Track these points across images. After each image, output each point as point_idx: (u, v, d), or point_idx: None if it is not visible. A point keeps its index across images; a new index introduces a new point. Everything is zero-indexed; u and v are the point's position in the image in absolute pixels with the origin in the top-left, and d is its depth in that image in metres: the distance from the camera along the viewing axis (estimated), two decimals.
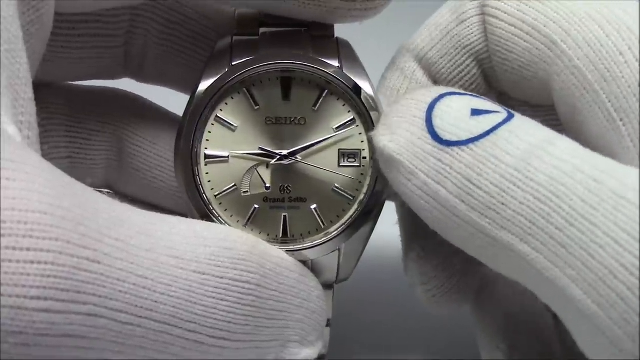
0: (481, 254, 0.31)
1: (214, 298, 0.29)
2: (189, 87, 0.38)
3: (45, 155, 0.39)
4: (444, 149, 0.31)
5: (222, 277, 0.30)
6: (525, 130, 0.30)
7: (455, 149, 0.31)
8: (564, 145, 0.29)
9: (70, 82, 0.43)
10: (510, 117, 0.31)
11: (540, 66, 0.34)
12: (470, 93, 0.34)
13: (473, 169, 0.30)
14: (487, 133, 0.30)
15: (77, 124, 0.42)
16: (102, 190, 0.44)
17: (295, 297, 0.34)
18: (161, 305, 0.27)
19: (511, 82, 0.37)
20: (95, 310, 0.25)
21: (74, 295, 0.24)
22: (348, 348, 0.46)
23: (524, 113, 0.40)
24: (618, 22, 0.31)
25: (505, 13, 0.35)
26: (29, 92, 0.29)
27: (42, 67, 0.37)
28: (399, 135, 0.33)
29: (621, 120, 0.30)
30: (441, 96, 0.33)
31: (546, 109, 0.39)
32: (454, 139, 0.31)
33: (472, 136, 0.30)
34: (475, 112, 0.32)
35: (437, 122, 0.32)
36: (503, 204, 0.29)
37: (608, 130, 0.31)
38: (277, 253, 0.34)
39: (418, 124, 0.32)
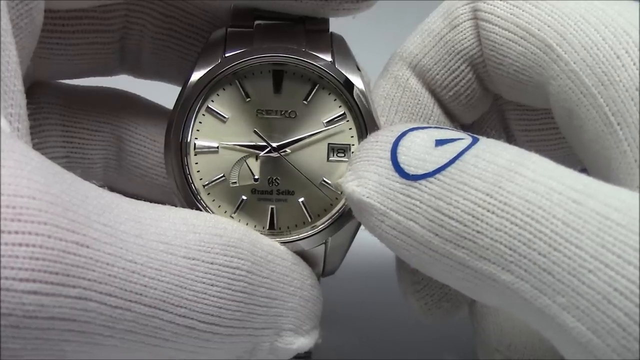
0: (465, 287, 0.30)
1: (203, 283, 0.29)
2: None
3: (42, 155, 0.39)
4: (412, 184, 0.30)
5: (212, 263, 0.30)
6: (492, 152, 0.29)
7: (423, 181, 0.30)
8: (534, 165, 0.28)
9: (66, 83, 0.43)
10: (475, 141, 0.30)
11: (535, 70, 0.34)
12: (433, 125, 0.33)
13: (442, 199, 0.29)
14: (453, 160, 0.29)
15: (74, 123, 0.42)
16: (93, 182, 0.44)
17: (288, 285, 0.34)
18: (151, 289, 0.27)
19: (507, 86, 0.36)
20: (84, 294, 0.25)
21: (62, 278, 0.24)
22: (341, 348, 0.46)
23: (521, 116, 0.40)
24: (614, 25, 0.31)
25: (499, 17, 0.35)
26: (18, 85, 0.29)
27: (40, 64, 0.37)
28: (366, 179, 0.32)
29: (619, 124, 0.30)
30: (403, 133, 0.32)
31: (542, 112, 0.39)
32: (421, 172, 0.30)
33: (438, 166, 0.30)
34: (440, 143, 0.31)
35: (402, 158, 0.31)
36: (478, 232, 0.28)
37: (605, 134, 0.31)
38: (268, 242, 0.34)
39: (384, 164, 0.31)
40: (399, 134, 0.32)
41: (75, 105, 0.42)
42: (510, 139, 0.41)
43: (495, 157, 0.29)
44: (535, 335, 0.40)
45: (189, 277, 0.29)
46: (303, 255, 0.36)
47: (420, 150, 0.31)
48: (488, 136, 0.41)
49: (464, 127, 0.41)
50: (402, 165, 0.31)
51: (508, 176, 0.28)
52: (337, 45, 0.37)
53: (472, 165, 0.29)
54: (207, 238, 0.30)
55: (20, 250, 0.23)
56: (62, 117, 0.41)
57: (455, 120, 0.40)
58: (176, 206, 0.36)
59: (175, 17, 0.40)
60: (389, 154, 0.32)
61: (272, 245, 0.34)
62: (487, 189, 0.28)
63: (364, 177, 0.32)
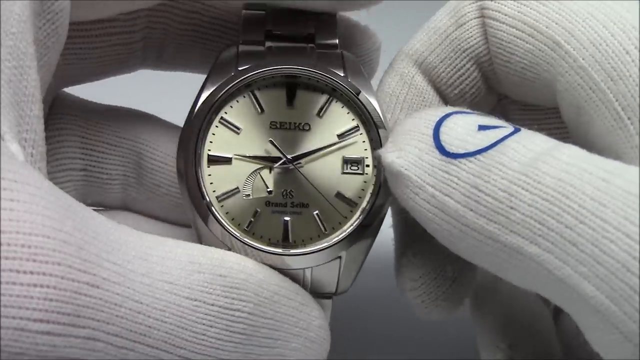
0: (490, 261, 0.31)
1: (203, 324, 0.29)
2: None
3: (60, 165, 0.39)
4: (451, 161, 0.31)
5: (212, 305, 0.30)
6: (532, 141, 0.30)
7: (463, 160, 0.31)
8: (570, 150, 0.29)
9: (85, 99, 0.42)
10: (516, 130, 0.31)
11: (543, 67, 0.34)
12: (477, 112, 0.34)
13: (481, 177, 0.30)
14: (494, 144, 0.31)
15: (93, 135, 0.41)
16: (99, 208, 0.43)
17: (293, 326, 0.33)
18: (154, 330, 0.28)
19: (513, 84, 0.37)
20: (93, 334, 0.26)
21: (74, 319, 0.25)
22: (341, 348, 0.46)
23: (525, 116, 0.40)
24: (622, 22, 0.32)
25: (506, 15, 0.35)
26: (35, 110, 0.29)
27: (65, 70, 0.37)
28: (406, 151, 0.33)
29: (629, 118, 0.31)
30: (448, 114, 0.33)
31: (547, 112, 0.39)
32: (461, 151, 0.31)
33: (479, 148, 0.31)
34: (482, 127, 0.32)
35: (444, 137, 0.32)
36: (512, 207, 0.29)
37: (615, 130, 0.31)
38: (277, 280, 0.33)
39: (425, 140, 0.32)
40: (444, 114, 0.33)
41: (95, 118, 0.42)
42: None
43: (534, 145, 0.30)
44: (538, 334, 0.40)
45: (190, 318, 0.29)
46: (316, 273, 0.36)
47: (462, 132, 0.32)
48: None
49: None
50: (443, 143, 0.32)
51: (544, 159, 0.29)
52: (349, 63, 0.38)
53: (513, 149, 0.30)
54: (211, 278, 0.30)
55: (35, 291, 0.24)
56: (81, 128, 0.41)
57: None
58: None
59: (199, 12, 0.40)
60: (431, 131, 0.32)
61: (280, 285, 0.33)
62: (524, 169, 0.29)
63: (404, 150, 0.33)
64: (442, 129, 0.32)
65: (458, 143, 0.31)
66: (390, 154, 0.33)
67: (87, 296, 0.25)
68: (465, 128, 0.32)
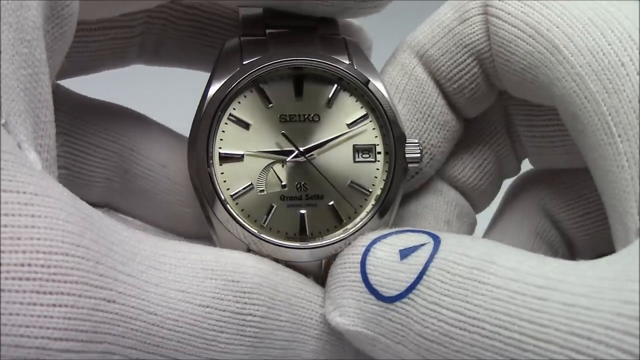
0: None
1: (214, 331, 0.30)
2: (210, 64, 0.37)
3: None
4: (390, 307, 0.30)
5: (223, 310, 0.30)
6: (454, 260, 0.30)
7: (399, 304, 0.30)
8: (496, 267, 0.28)
9: (78, 93, 0.42)
10: (436, 245, 0.31)
11: (541, 70, 0.33)
12: (393, 231, 0.33)
13: (420, 323, 0.29)
14: (421, 275, 0.30)
15: (77, 134, 0.40)
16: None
17: (312, 329, 0.34)
18: (167, 340, 0.28)
19: (513, 83, 0.36)
20: (109, 349, 0.27)
21: (91, 336, 0.26)
22: None
23: (525, 112, 0.40)
24: (619, 29, 0.31)
25: (509, 14, 0.35)
26: (48, 115, 0.29)
27: (62, 64, 0.36)
28: (345, 306, 0.32)
29: (619, 136, 0.30)
30: (367, 249, 0.33)
31: (548, 109, 0.39)
32: (394, 292, 0.30)
33: (409, 284, 0.30)
34: (404, 254, 0.31)
35: (373, 279, 0.32)
36: (457, 351, 0.28)
37: (605, 144, 0.30)
38: (296, 283, 0.33)
39: (358, 288, 0.32)
40: (364, 251, 0.33)
41: (83, 116, 0.41)
42: (513, 135, 0.41)
43: (457, 266, 0.29)
44: None
45: (202, 325, 0.30)
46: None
47: (387, 267, 0.31)
48: (488, 132, 0.41)
49: (467, 122, 0.41)
50: (375, 287, 0.31)
51: (473, 288, 0.28)
52: (352, 49, 0.38)
53: (439, 280, 0.29)
54: (222, 285, 0.31)
55: (54, 311, 0.25)
56: (67, 125, 0.40)
57: (458, 113, 0.40)
58: (188, 235, 0.37)
59: (197, 8, 0.40)
60: (359, 276, 0.32)
61: (299, 287, 0.34)
62: (456, 307, 0.28)
63: (343, 306, 0.32)
64: (368, 268, 0.32)
65: (387, 283, 0.31)
66: (333, 314, 0.33)
67: (103, 312, 0.26)
68: (387, 261, 0.32)
